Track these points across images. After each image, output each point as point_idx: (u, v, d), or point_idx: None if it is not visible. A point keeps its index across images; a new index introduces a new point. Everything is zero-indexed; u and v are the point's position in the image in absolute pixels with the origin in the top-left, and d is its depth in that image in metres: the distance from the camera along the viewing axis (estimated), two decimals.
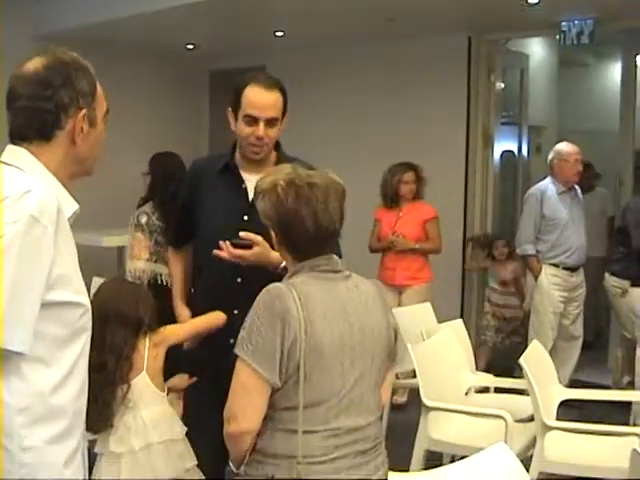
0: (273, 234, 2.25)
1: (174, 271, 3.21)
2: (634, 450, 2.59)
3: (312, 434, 2.07)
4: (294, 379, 2.05)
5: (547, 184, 5.85)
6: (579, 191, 5.95)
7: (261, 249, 2.65)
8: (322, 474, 2.06)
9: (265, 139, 2.83)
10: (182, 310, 3.10)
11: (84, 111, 1.87)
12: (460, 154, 7.04)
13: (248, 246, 2.67)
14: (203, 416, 2.71)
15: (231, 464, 2.19)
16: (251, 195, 2.80)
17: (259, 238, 2.65)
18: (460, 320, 4.94)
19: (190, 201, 3.04)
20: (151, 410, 2.73)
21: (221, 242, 2.70)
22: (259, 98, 2.80)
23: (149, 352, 2.76)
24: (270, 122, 2.82)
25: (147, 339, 2.78)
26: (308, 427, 2.07)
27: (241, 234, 2.66)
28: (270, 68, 7.77)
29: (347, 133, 7.50)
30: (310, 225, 2.15)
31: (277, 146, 2.99)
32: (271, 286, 2.14)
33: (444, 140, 7.03)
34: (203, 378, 2.91)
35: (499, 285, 6.51)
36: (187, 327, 2.94)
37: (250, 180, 2.84)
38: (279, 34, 7.17)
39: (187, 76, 8.79)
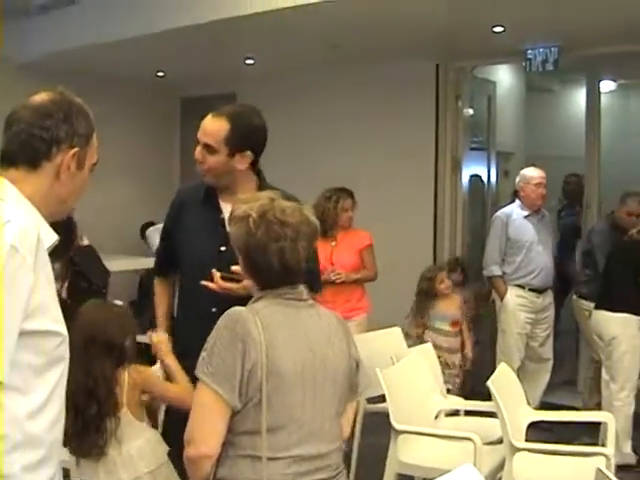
0: (240, 259, 2.26)
1: (158, 300, 3.18)
2: (598, 469, 2.62)
3: (275, 461, 2.07)
4: (254, 402, 2.06)
5: (514, 207, 5.98)
6: (546, 214, 6.05)
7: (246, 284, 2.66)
8: None
9: (204, 164, 2.85)
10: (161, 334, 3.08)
11: (75, 149, 1.90)
12: (429, 180, 7.12)
13: (238, 280, 2.67)
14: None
15: None
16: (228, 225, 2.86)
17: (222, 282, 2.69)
18: (429, 344, 4.97)
19: (172, 230, 3.05)
20: (135, 443, 2.72)
21: (213, 271, 2.70)
22: (204, 122, 2.86)
23: (128, 390, 2.74)
24: (207, 148, 2.83)
25: (126, 373, 2.77)
26: (270, 453, 2.07)
27: (233, 268, 2.65)
28: (240, 95, 7.86)
29: (316, 161, 7.54)
30: (276, 262, 2.16)
31: (259, 173, 2.99)
32: (232, 310, 2.16)
33: (413, 166, 7.11)
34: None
35: (450, 326, 5.68)
36: (164, 389, 2.87)
37: (228, 210, 2.86)
38: (249, 62, 7.22)
39: (158, 103, 8.82)
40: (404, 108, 7.11)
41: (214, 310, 2.78)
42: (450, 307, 5.67)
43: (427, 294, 5.66)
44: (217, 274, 2.69)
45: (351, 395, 2.30)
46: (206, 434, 2.06)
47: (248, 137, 2.86)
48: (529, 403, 4.72)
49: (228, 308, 2.47)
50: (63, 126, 1.88)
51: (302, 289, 2.25)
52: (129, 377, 2.76)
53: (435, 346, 5.21)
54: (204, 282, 2.71)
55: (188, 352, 2.83)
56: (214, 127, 2.82)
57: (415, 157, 7.13)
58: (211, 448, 2.06)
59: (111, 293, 6.07)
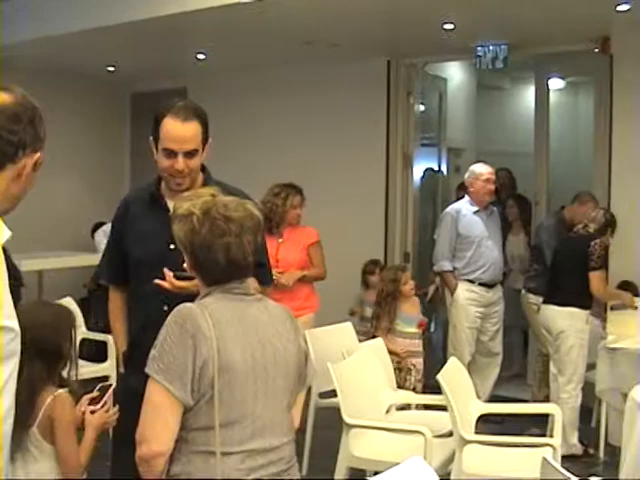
0: (186, 258, 2.25)
1: (114, 315, 3.09)
2: (544, 459, 2.66)
3: (229, 456, 2.07)
4: (206, 398, 2.05)
5: (463, 203, 6.02)
6: (495, 210, 6.12)
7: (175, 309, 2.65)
8: None
9: (185, 171, 2.81)
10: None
11: (39, 154, 1.90)
12: (380, 175, 7.16)
13: (191, 277, 2.66)
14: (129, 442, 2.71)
15: None
16: None
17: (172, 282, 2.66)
18: (381, 339, 4.99)
19: (121, 233, 3.01)
20: (40, 466, 2.60)
21: (165, 270, 2.67)
22: (177, 131, 2.76)
23: (45, 412, 2.59)
24: (189, 154, 2.79)
25: (52, 395, 2.61)
26: (224, 448, 2.07)
27: (185, 266, 2.65)
28: (192, 91, 7.82)
29: (266, 156, 7.54)
30: (222, 257, 2.16)
31: (203, 169, 2.97)
32: (182, 306, 2.15)
33: (365, 162, 7.15)
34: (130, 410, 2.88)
35: (417, 328, 5.39)
36: (66, 431, 2.64)
37: None
38: (200, 57, 7.19)
39: (108, 98, 8.73)
40: (356, 104, 7.15)
41: (165, 309, 2.78)
42: (414, 308, 5.46)
43: (392, 296, 5.34)
44: (170, 273, 2.66)
45: (300, 386, 2.32)
46: (158, 432, 2.05)
47: (208, 127, 2.86)
48: (479, 396, 4.79)
49: (177, 303, 2.48)
50: (29, 130, 1.87)
51: (249, 283, 2.25)
52: (53, 400, 2.60)
53: (396, 352, 5.11)
54: (157, 281, 2.68)
55: (138, 349, 2.81)
56: (192, 131, 2.78)
57: (367, 153, 7.17)
58: (164, 446, 2.05)
59: (60, 291, 6.03)
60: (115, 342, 3.10)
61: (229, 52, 6.99)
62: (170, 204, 2.87)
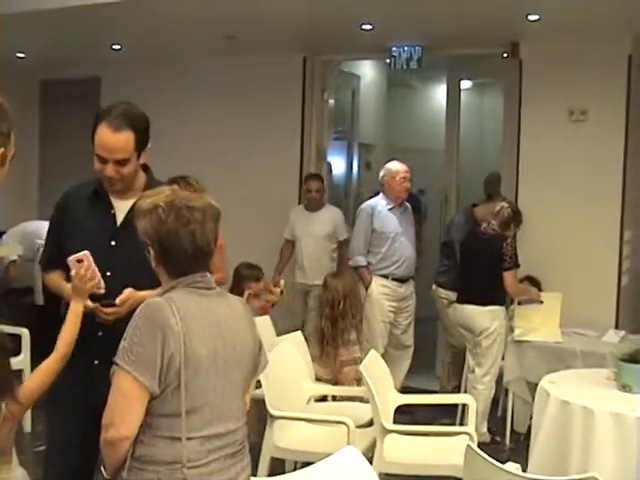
0: (152, 252, 2.33)
1: (57, 283, 3.00)
2: (468, 446, 2.81)
3: (189, 440, 2.21)
4: (172, 388, 2.18)
5: (378, 200, 6.15)
6: (409, 206, 6.28)
7: (132, 300, 2.69)
8: (199, 477, 2.21)
9: (115, 177, 2.84)
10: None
11: (2, 150, 1.89)
12: (295, 169, 7.25)
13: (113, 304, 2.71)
14: (63, 454, 2.74)
15: (104, 471, 2.26)
16: (119, 220, 2.88)
17: (127, 293, 2.70)
18: (299, 332, 5.08)
19: (60, 227, 3.01)
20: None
21: (88, 303, 2.71)
22: (107, 140, 2.79)
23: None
24: (120, 162, 2.82)
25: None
26: (187, 434, 2.20)
27: (117, 301, 2.69)
28: (105, 80, 7.73)
29: (179, 150, 7.50)
30: (188, 245, 2.28)
31: (146, 169, 3.01)
32: (151, 300, 2.26)
33: (280, 155, 7.23)
34: (62, 417, 2.91)
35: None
36: (40, 375, 2.55)
37: (119, 206, 2.89)
38: (116, 47, 7.12)
39: (15, 85, 8.50)
40: (273, 99, 7.21)
41: (100, 334, 2.81)
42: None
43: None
44: (95, 305, 2.72)
45: (254, 374, 2.48)
46: (127, 418, 2.17)
47: (147, 133, 2.90)
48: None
49: (115, 330, 2.45)
50: None
51: (210, 277, 2.37)
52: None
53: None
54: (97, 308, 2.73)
55: (74, 348, 2.85)
56: (121, 141, 2.80)
57: (282, 146, 7.25)
58: (131, 430, 2.17)
59: None
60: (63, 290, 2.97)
61: (146, 44, 6.96)
62: (114, 201, 2.92)
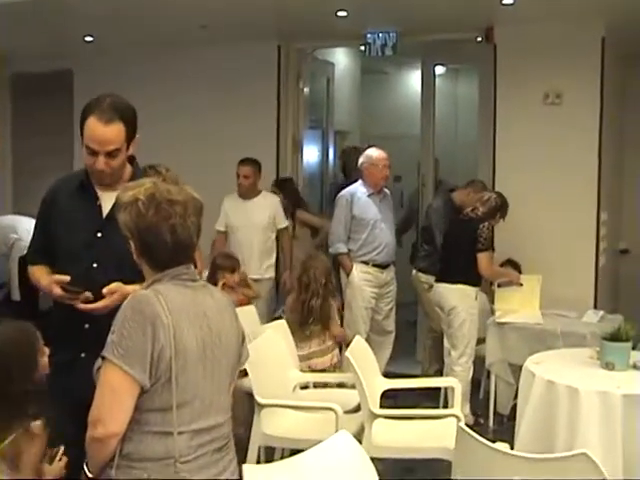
0: (133, 246, 2.31)
1: (38, 273, 3.01)
2: (459, 427, 2.84)
3: (180, 435, 2.17)
4: (161, 382, 2.14)
5: (357, 187, 6.15)
6: (388, 193, 6.30)
7: (118, 293, 2.67)
8: (190, 472, 2.18)
9: (106, 170, 2.85)
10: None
11: None
12: (271, 158, 7.23)
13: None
14: None
15: (87, 469, 2.21)
16: (105, 212, 2.87)
17: (114, 285, 2.68)
18: (283, 321, 5.09)
19: (47, 220, 3.01)
20: None
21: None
22: (98, 132, 2.80)
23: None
24: (110, 154, 2.83)
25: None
26: (177, 428, 2.17)
27: (103, 291, 2.67)
28: (78, 73, 7.65)
29: (157, 140, 7.43)
30: (169, 239, 2.25)
31: (132, 160, 3.01)
32: (138, 293, 2.22)
33: (257, 144, 7.18)
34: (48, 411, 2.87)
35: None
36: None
37: (105, 197, 2.88)
38: (88, 39, 7.05)
39: None
40: (248, 88, 7.18)
41: (87, 327, 2.82)
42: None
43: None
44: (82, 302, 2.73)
45: (238, 366, 2.45)
46: (115, 414, 2.12)
47: (135, 124, 2.91)
48: None
49: (101, 322, 2.48)
50: None
51: (194, 269, 2.35)
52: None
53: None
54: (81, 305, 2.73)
55: (61, 341, 2.84)
56: (113, 133, 2.82)
57: (258, 135, 7.21)
58: (120, 426, 2.12)
59: None
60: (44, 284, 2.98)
61: (120, 35, 6.90)
62: (99, 193, 2.91)
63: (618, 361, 3.89)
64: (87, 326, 2.81)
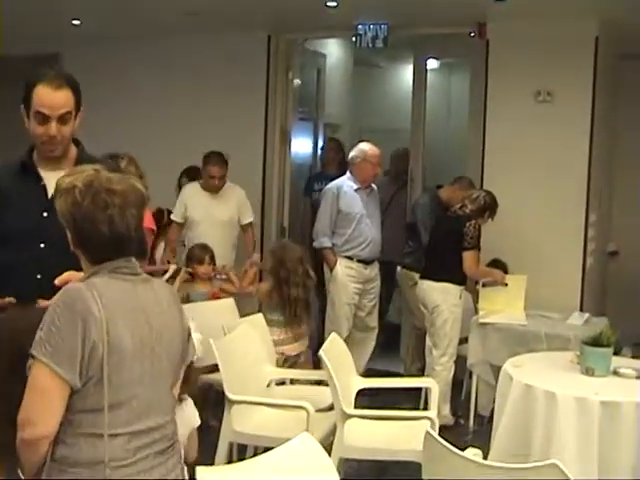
0: (69, 235, 2.21)
1: None
2: (427, 432, 2.76)
3: (115, 437, 2.05)
4: (94, 380, 2.03)
5: (344, 180, 6.07)
6: (375, 188, 6.22)
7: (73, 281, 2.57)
8: (127, 477, 2.05)
9: (58, 137, 2.84)
10: None
11: None
12: (258, 150, 7.14)
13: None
14: None
15: (20, 474, 2.10)
16: (50, 192, 2.79)
17: (67, 274, 2.50)
18: (260, 314, 5.00)
19: None
20: None
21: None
22: (50, 97, 2.80)
23: None
24: (62, 119, 2.82)
25: None
26: (111, 430, 2.05)
27: (56, 282, 2.48)
28: (65, 57, 7.55)
29: (143, 127, 7.37)
30: (105, 230, 2.13)
31: (77, 144, 3.00)
32: (70, 286, 2.11)
33: (244, 136, 7.11)
34: None
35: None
36: None
37: (49, 177, 2.84)
38: (76, 22, 6.94)
39: None
40: (237, 78, 7.08)
41: (39, 277, 2.78)
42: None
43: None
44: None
45: (182, 364, 2.33)
46: (45, 415, 2.01)
47: (80, 97, 2.90)
48: (356, 370, 4.89)
49: (54, 275, 2.43)
50: None
51: (135, 262, 2.23)
52: None
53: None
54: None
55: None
56: (64, 98, 2.82)
57: (246, 126, 7.13)
58: (50, 428, 2.01)
59: None
60: None
61: (107, 21, 6.79)
62: (43, 174, 2.91)
63: (598, 367, 3.82)
64: (39, 276, 2.77)
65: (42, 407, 2.01)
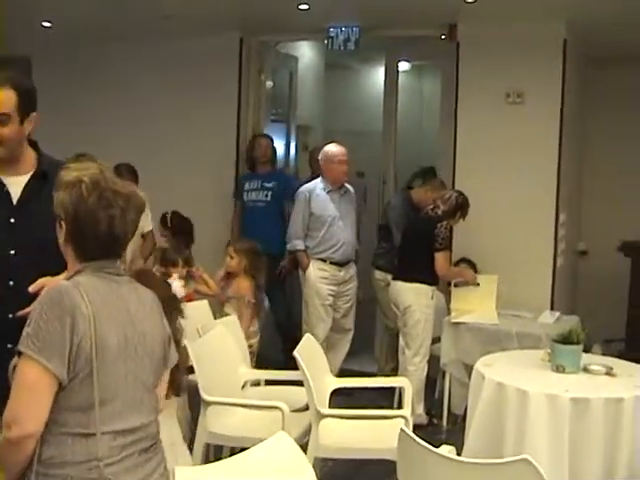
0: (63, 229, 2.19)
1: None
2: (401, 430, 2.79)
3: (102, 435, 2.06)
4: (81, 377, 2.03)
5: (317, 183, 6.08)
6: (350, 189, 6.21)
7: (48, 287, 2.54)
8: (115, 475, 2.06)
9: None
10: None
11: None
12: (231, 152, 7.15)
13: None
14: None
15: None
16: (16, 197, 2.78)
17: (41, 281, 2.51)
18: (234, 317, 5.00)
19: None
20: None
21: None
22: None
23: None
24: (0, 119, 2.74)
25: None
26: (89, 429, 2.05)
27: (29, 289, 2.48)
28: (36, 59, 7.51)
29: (115, 130, 7.33)
30: (104, 229, 2.14)
31: (35, 147, 2.92)
32: (57, 284, 2.11)
33: (216, 138, 7.11)
34: None
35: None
36: None
37: (10, 182, 2.79)
38: (46, 24, 6.90)
39: None
40: (209, 80, 7.08)
41: (11, 284, 2.72)
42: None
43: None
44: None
45: (164, 368, 2.33)
46: (33, 412, 2.00)
47: (32, 99, 2.82)
48: (331, 370, 4.93)
49: (26, 281, 2.44)
50: None
51: (120, 264, 2.24)
52: None
53: None
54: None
55: None
56: (3, 97, 2.73)
57: (218, 129, 7.13)
58: (37, 425, 1.99)
59: None
60: None
61: (79, 23, 6.76)
62: (4, 180, 2.81)
63: (568, 364, 3.87)
64: (12, 283, 2.71)
65: (30, 404, 2.00)
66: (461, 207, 5.58)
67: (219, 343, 4.40)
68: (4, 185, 2.83)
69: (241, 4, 6.16)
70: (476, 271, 5.99)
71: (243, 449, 2.70)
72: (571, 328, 4.01)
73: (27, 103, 2.79)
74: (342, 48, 6.54)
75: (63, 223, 2.18)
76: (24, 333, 2.03)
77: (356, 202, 6.30)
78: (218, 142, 7.10)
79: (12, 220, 2.76)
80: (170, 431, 2.77)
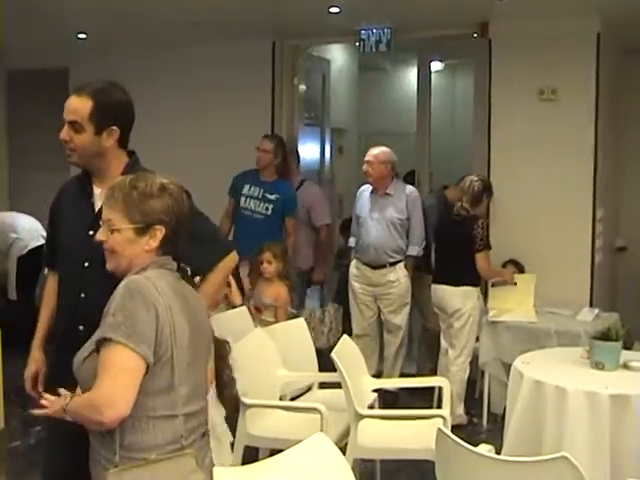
0: (162, 232, 2.29)
1: (45, 299, 3.03)
2: (439, 429, 2.79)
3: (173, 419, 2.17)
4: (162, 361, 2.14)
5: (368, 185, 6.07)
6: (404, 192, 5.98)
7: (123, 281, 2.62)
8: (193, 456, 2.17)
9: (70, 144, 2.77)
10: (35, 352, 2.97)
11: None
12: None
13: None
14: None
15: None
16: (97, 208, 2.76)
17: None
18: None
19: (51, 222, 3.00)
20: None
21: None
22: (67, 101, 2.77)
23: None
24: (73, 126, 2.75)
25: None
26: (173, 411, 2.17)
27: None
28: (74, 71, 7.61)
29: (151, 138, 7.35)
30: (184, 231, 2.37)
31: (131, 155, 2.92)
32: (133, 278, 2.22)
33: (250, 143, 7.13)
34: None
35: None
36: None
37: (98, 194, 2.78)
38: (82, 36, 7.01)
39: None
40: (241, 86, 7.12)
41: (83, 295, 2.75)
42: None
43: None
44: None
45: (210, 357, 2.50)
46: (127, 394, 2.08)
47: (112, 112, 2.79)
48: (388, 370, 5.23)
49: (95, 294, 2.51)
50: None
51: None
52: None
53: None
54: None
55: (56, 338, 2.85)
56: (78, 104, 2.74)
57: (252, 134, 7.15)
58: (129, 407, 2.09)
59: None
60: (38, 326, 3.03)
61: (112, 34, 6.86)
62: (96, 190, 2.82)
63: (608, 361, 3.85)
64: (81, 328, 2.68)
65: (122, 387, 2.08)
66: (484, 190, 5.56)
67: (258, 346, 4.43)
68: (92, 196, 2.84)
69: (272, 9, 6.19)
70: (523, 272, 5.96)
71: (280, 452, 2.73)
72: (610, 325, 3.98)
73: (105, 115, 2.76)
74: (374, 50, 6.55)
75: (163, 227, 2.29)
76: (108, 322, 2.13)
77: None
78: (253, 147, 7.12)
79: (90, 232, 2.70)
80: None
